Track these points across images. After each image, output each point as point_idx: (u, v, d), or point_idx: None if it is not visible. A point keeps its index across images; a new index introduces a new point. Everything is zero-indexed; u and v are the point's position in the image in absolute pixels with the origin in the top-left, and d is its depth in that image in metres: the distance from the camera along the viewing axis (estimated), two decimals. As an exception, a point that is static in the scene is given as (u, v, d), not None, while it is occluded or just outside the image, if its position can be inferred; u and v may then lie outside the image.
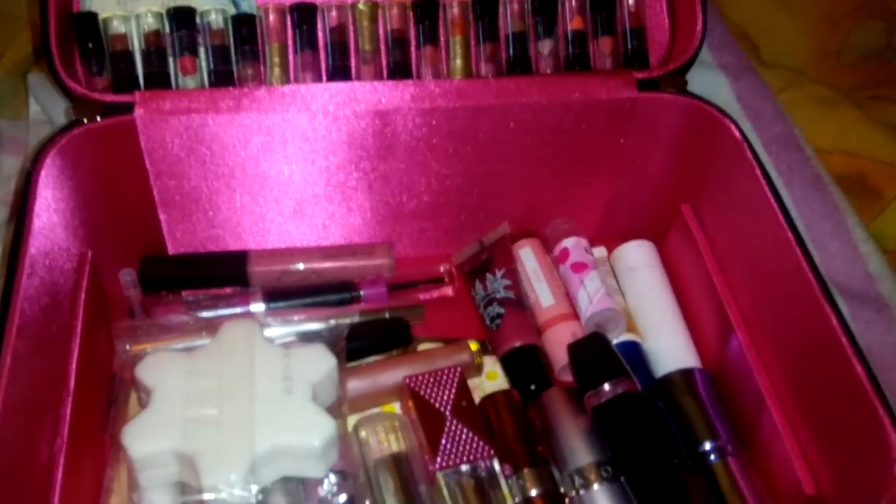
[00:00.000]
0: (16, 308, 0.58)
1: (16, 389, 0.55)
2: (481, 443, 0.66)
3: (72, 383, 0.62)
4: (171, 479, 0.61)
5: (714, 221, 0.76)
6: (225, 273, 0.79)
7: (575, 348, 0.71)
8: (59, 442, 0.59)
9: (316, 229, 0.81)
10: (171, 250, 0.80)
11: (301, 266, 0.79)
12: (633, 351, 0.75)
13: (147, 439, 0.60)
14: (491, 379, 0.76)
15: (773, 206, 0.65)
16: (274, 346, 0.66)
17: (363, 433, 0.67)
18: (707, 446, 0.67)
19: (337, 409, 0.67)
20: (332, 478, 0.63)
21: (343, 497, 0.63)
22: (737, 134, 0.70)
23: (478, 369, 0.75)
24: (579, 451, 0.66)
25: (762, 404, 0.65)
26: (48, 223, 0.65)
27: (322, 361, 0.66)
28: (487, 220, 0.82)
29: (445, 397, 0.68)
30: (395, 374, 0.72)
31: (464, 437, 0.66)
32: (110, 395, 0.69)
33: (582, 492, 0.65)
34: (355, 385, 0.71)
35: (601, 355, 0.68)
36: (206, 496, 0.57)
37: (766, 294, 0.67)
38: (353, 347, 0.73)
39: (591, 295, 0.76)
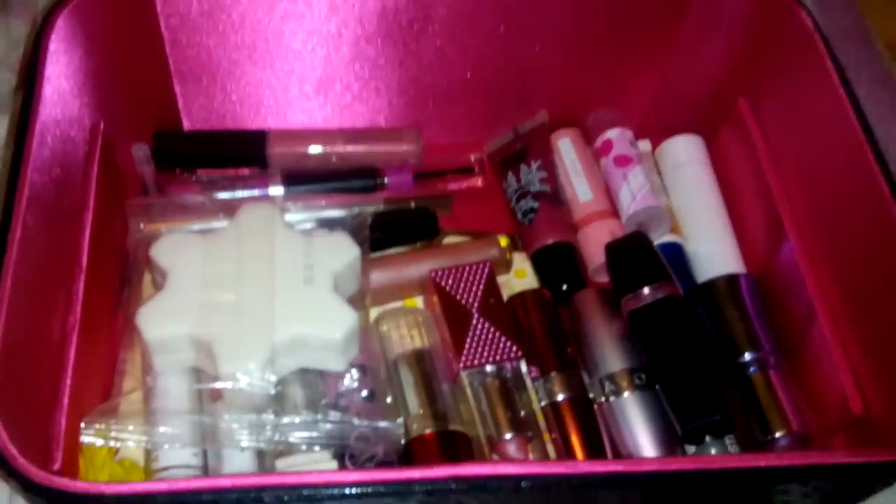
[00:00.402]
0: (26, 178, 0.58)
1: (26, 264, 0.55)
2: (508, 343, 0.67)
3: (84, 260, 0.63)
4: (187, 364, 0.62)
5: (773, 118, 0.74)
6: (243, 153, 0.79)
7: (614, 248, 0.70)
8: (71, 320, 0.60)
9: (340, 110, 0.80)
10: (186, 126, 0.79)
11: (323, 149, 0.79)
12: (676, 253, 0.75)
13: (162, 322, 0.61)
14: (520, 277, 0.76)
15: (845, 104, 0.63)
16: (295, 232, 0.67)
17: (385, 327, 0.68)
18: (747, 357, 0.67)
19: (359, 301, 0.68)
20: (353, 372, 0.64)
21: (363, 392, 0.64)
22: (809, 23, 0.68)
23: (506, 266, 0.75)
24: (612, 356, 0.67)
25: (812, 316, 0.65)
26: (59, 90, 0.64)
27: (345, 250, 0.66)
28: (524, 108, 0.81)
29: (472, 294, 0.69)
30: (419, 267, 0.73)
31: (490, 336, 0.67)
32: (124, 275, 0.70)
33: (612, 398, 0.65)
34: (378, 277, 0.72)
35: (642, 256, 0.68)
36: (223, 384, 0.59)
37: (825, 198, 0.66)
38: (375, 237, 0.73)
39: (634, 191, 0.75)
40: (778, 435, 0.64)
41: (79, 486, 0.48)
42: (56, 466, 0.54)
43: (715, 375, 0.64)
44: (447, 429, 0.63)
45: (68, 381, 0.57)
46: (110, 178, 0.72)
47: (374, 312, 0.71)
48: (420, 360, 0.66)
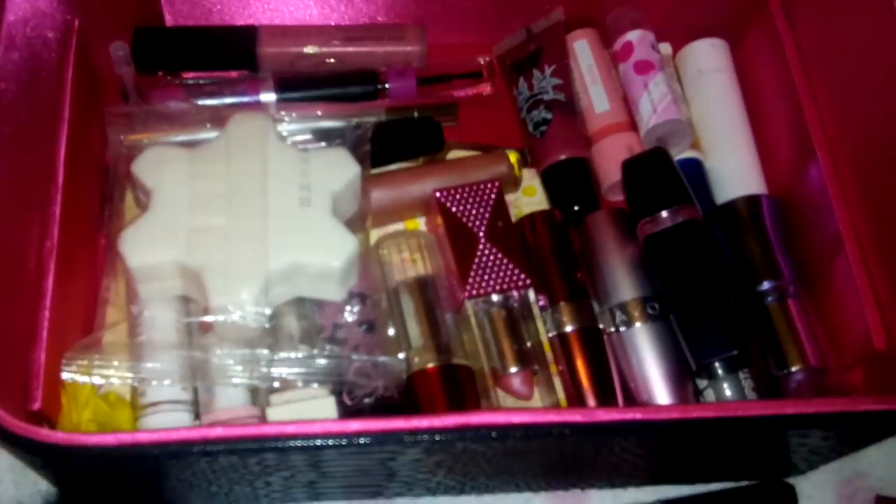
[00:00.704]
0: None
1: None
2: (516, 270, 0.63)
3: (60, 177, 0.58)
4: (174, 292, 0.58)
5: (808, 23, 0.68)
6: (231, 52, 0.73)
7: (631, 165, 0.66)
8: (48, 245, 0.56)
9: (336, 4, 0.73)
10: (169, 22, 0.73)
11: (318, 49, 0.72)
12: (695, 169, 0.70)
13: (148, 248, 0.57)
14: (528, 195, 0.71)
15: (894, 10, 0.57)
16: (290, 147, 0.62)
17: (385, 251, 0.64)
18: (766, 285, 0.64)
19: (358, 223, 0.63)
20: (352, 302, 0.60)
21: (363, 324, 0.60)
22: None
23: (515, 184, 0.70)
24: (624, 283, 0.63)
25: (837, 244, 0.61)
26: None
27: (344, 168, 0.61)
28: (537, 3, 0.74)
29: (479, 216, 0.65)
30: (422, 185, 0.68)
31: (497, 262, 0.63)
32: (104, 191, 0.66)
33: (622, 329, 0.62)
34: (378, 195, 0.67)
35: (662, 176, 0.64)
36: (214, 317, 0.55)
37: (862, 117, 0.61)
38: (375, 151, 0.68)
39: (655, 102, 0.69)
40: (794, 369, 0.62)
41: (59, 437, 0.45)
42: (36, 405, 0.51)
43: (733, 307, 0.61)
44: (450, 362, 0.60)
45: (46, 313, 0.54)
46: (87, 82, 0.66)
47: (373, 235, 0.66)
48: (423, 289, 0.62)
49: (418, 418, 0.47)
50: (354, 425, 0.47)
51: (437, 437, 0.47)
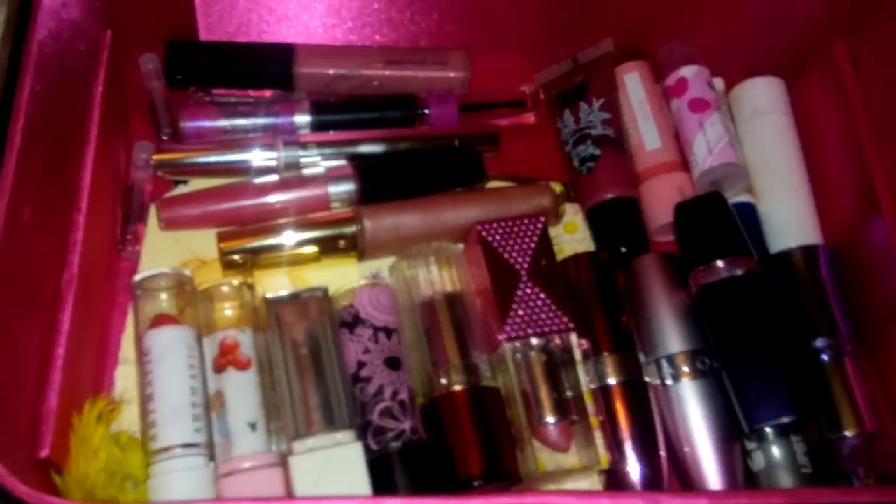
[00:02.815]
0: (21, 106, 0.49)
1: (19, 210, 0.47)
2: (559, 313, 0.58)
3: (84, 202, 0.55)
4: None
5: (874, 67, 0.64)
6: (266, 70, 0.69)
7: (686, 209, 0.61)
8: (67, 276, 0.52)
9: (378, 25, 0.69)
10: (203, 36, 0.69)
11: (357, 71, 0.68)
12: (748, 214, 0.66)
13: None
14: (569, 231, 0.67)
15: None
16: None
17: (410, 266, 0.60)
18: (822, 342, 0.59)
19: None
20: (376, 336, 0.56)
21: (388, 361, 0.56)
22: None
23: (557, 217, 0.66)
24: (673, 334, 0.59)
25: (902, 306, 0.56)
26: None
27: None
28: (587, 32, 0.70)
29: (523, 253, 0.60)
30: (459, 214, 0.64)
31: (539, 303, 0.58)
32: (126, 213, 0.62)
33: (669, 382, 0.58)
34: (411, 221, 0.63)
35: (719, 223, 0.60)
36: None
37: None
38: (412, 180, 0.64)
39: (711, 143, 0.65)
40: (848, 434, 0.57)
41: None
42: (44, 453, 0.47)
43: (790, 366, 0.56)
44: (479, 384, 0.56)
45: (61, 352, 0.49)
46: (115, 96, 0.62)
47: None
48: (451, 305, 0.59)
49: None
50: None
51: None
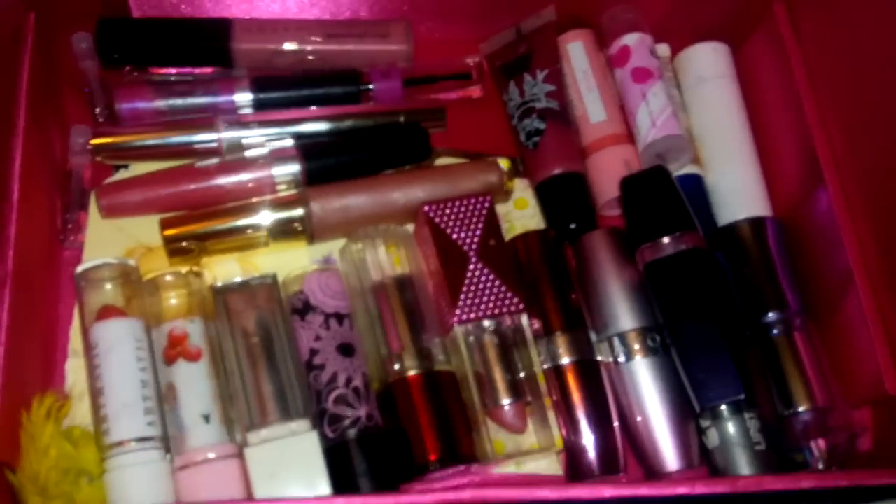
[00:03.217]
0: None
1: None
2: (510, 294, 0.59)
3: (15, 194, 0.53)
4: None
5: (815, 29, 0.64)
6: (203, 47, 0.67)
7: (630, 185, 0.62)
8: (1, 273, 0.50)
9: (316, -2, 0.68)
10: (135, 13, 0.67)
11: (298, 46, 0.67)
12: (694, 186, 0.66)
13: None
14: (520, 208, 0.67)
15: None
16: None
17: (359, 249, 0.60)
18: (771, 317, 0.60)
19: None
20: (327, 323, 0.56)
21: (340, 347, 0.56)
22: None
23: (506, 195, 0.66)
24: (623, 312, 0.60)
25: (847, 277, 0.58)
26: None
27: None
28: (529, 1, 0.69)
29: (470, 233, 0.60)
30: (408, 193, 0.63)
31: (489, 284, 0.59)
32: (66, 200, 0.60)
33: (622, 360, 0.59)
34: (358, 202, 0.62)
35: (664, 198, 0.60)
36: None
37: (874, 133, 0.58)
38: (357, 159, 0.64)
39: (654, 114, 0.65)
40: (801, 409, 0.59)
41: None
42: (-8, 454, 0.46)
43: (738, 343, 0.57)
44: (433, 369, 0.57)
45: (1, 350, 0.48)
46: (46, 79, 0.60)
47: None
48: (402, 289, 0.59)
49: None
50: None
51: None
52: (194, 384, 0.54)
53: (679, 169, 0.67)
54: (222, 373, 0.55)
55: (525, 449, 0.58)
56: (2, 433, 0.47)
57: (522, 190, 0.67)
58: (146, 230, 0.61)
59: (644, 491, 0.45)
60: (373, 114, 0.67)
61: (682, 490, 0.46)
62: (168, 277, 0.57)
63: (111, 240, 0.61)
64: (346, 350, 0.57)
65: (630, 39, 0.68)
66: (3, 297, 0.50)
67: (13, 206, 0.52)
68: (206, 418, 0.53)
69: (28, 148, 0.55)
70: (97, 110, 0.64)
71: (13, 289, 0.50)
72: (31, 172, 0.55)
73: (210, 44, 0.67)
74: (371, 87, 0.67)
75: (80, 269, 0.56)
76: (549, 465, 0.59)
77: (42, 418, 0.51)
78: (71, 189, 0.61)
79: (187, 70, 0.67)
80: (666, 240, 0.59)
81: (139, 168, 0.63)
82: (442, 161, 0.68)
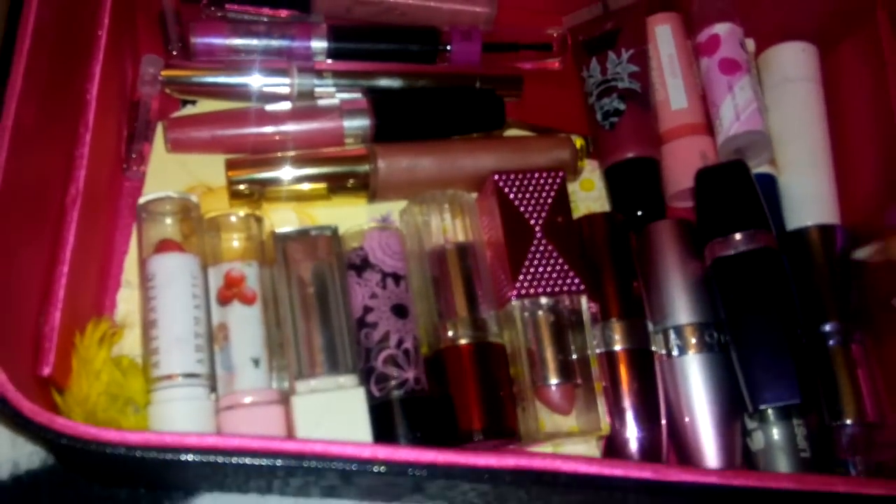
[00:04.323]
0: (31, 8, 0.48)
1: (27, 118, 0.46)
2: (571, 273, 0.59)
3: (91, 116, 0.54)
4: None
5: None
6: (283, -12, 0.68)
7: (707, 176, 0.62)
8: (72, 192, 0.52)
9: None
10: (217, -55, 0.67)
11: (379, -4, 0.68)
12: (768, 187, 0.67)
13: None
14: (585, 189, 0.68)
15: None
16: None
17: (421, 214, 0.61)
18: (830, 326, 0.61)
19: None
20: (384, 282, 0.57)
21: (394, 308, 0.57)
22: None
23: (574, 173, 0.67)
24: (682, 305, 0.60)
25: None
26: None
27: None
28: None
29: (539, 208, 0.61)
30: (476, 161, 0.64)
31: (552, 262, 0.60)
32: (132, 129, 0.61)
33: (675, 353, 0.59)
34: (426, 165, 0.63)
35: (741, 194, 0.60)
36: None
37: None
38: (429, 119, 0.65)
39: (739, 108, 0.65)
40: (848, 422, 0.59)
41: (64, 425, 0.42)
42: (47, 371, 0.48)
43: (800, 349, 0.58)
44: (486, 340, 0.58)
45: (65, 269, 0.50)
46: (125, 5, 0.61)
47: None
48: (462, 257, 0.60)
49: (458, 454, 0.45)
50: (369, 451, 0.45)
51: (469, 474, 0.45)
52: (247, 327, 0.55)
53: (755, 167, 0.67)
54: (273, 320, 0.56)
55: (565, 431, 0.59)
56: (55, 354, 0.48)
57: (590, 171, 0.68)
58: (209, 169, 0.62)
59: (674, 476, 0.46)
60: (448, 75, 0.67)
61: (713, 480, 0.47)
62: (231, 218, 0.58)
63: (173, 175, 0.62)
64: (400, 311, 0.58)
65: (721, 29, 0.69)
66: (71, 217, 0.51)
67: (88, 128, 0.53)
68: (256, 362, 0.54)
69: (105, 72, 0.56)
70: (171, 42, 0.65)
71: (80, 210, 0.51)
72: (105, 98, 0.56)
73: (291, -15, 0.67)
74: (449, 48, 0.68)
75: (142, 199, 0.57)
76: (587, 450, 0.60)
77: (95, 343, 0.52)
78: (137, 119, 0.62)
79: (264, 11, 0.68)
80: (738, 236, 0.59)
81: (206, 106, 0.64)
82: (511, 133, 0.68)
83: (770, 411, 0.58)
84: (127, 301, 0.58)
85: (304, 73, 0.64)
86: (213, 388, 0.55)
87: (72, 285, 0.50)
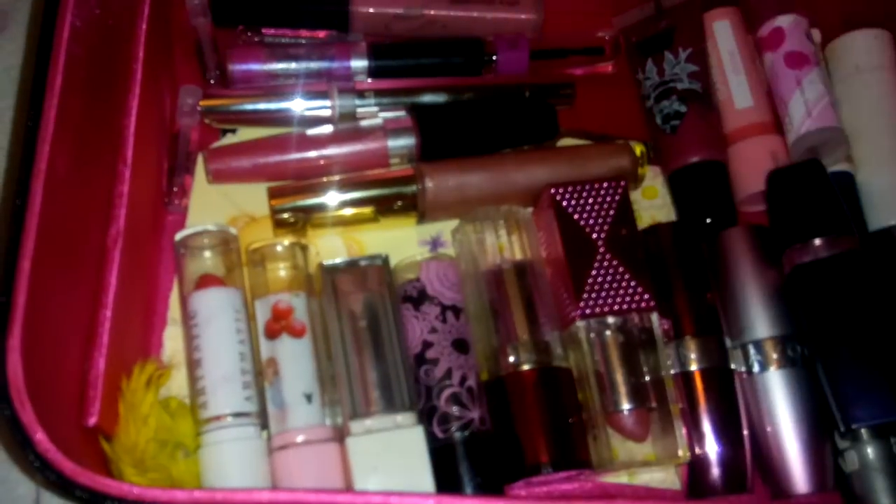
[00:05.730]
0: (61, 44, 0.48)
1: (60, 159, 0.46)
2: (639, 289, 0.57)
3: (130, 151, 0.54)
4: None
5: None
6: (320, 9, 0.67)
7: (780, 178, 0.60)
8: (113, 232, 0.52)
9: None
10: (252, -31, 0.67)
11: (419, 10, 0.67)
12: (846, 186, 0.64)
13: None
14: (648, 197, 0.66)
15: None
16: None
17: (476, 231, 0.59)
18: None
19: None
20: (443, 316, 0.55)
21: (455, 343, 0.55)
22: None
23: (635, 181, 0.65)
24: (761, 318, 0.58)
25: None
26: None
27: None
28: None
29: (601, 220, 0.59)
30: (530, 174, 0.63)
31: (618, 277, 0.58)
32: (172, 162, 0.61)
33: (756, 370, 0.57)
34: (477, 181, 0.62)
35: (818, 196, 0.58)
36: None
37: None
38: (477, 134, 0.63)
39: (809, 104, 0.63)
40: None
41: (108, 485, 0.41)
42: (92, 420, 0.47)
43: (891, 360, 0.55)
44: (551, 364, 0.56)
45: (108, 313, 0.49)
46: (160, 36, 0.61)
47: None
48: (520, 276, 0.58)
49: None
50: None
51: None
52: (298, 361, 0.54)
53: (831, 165, 0.64)
54: (324, 352, 0.55)
55: (640, 459, 0.57)
56: (101, 401, 0.48)
57: (652, 178, 0.66)
58: (252, 198, 0.62)
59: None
60: (495, 87, 0.66)
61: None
62: (277, 248, 0.57)
63: (216, 206, 0.61)
64: (461, 346, 0.56)
65: (784, 21, 0.66)
66: (113, 257, 0.51)
67: (127, 164, 0.53)
68: (308, 398, 0.53)
69: (142, 106, 0.56)
70: (209, 71, 0.65)
71: (123, 250, 0.51)
72: (143, 132, 0.56)
73: (327, 6, 0.67)
74: (495, 58, 0.67)
75: (179, 235, 0.57)
76: (666, 477, 0.58)
77: (142, 386, 0.52)
78: (177, 151, 0.62)
79: (302, 32, 0.67)
80: (818, 242, 0.57)
81: (246, 134, 0.64)
82: (565, 142, 0.67)
83: (863, 430, 0.55)
84: (174, 339, 0.58)
85: (345, 93, 0.64)
86: (265, 426, 0.54)
87: (116, 329, 0.50)
